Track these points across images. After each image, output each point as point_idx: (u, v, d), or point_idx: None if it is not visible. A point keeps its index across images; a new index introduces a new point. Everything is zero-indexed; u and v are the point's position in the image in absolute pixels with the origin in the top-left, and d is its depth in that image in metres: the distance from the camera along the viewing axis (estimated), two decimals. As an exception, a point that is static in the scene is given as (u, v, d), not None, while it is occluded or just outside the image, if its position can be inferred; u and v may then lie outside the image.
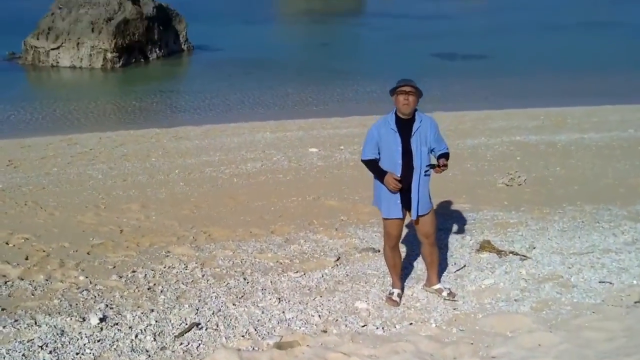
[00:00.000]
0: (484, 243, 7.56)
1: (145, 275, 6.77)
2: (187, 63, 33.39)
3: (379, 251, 7.20)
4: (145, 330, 5.38)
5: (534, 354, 4.79)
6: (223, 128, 17.94)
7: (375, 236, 8.04)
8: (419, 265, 6.88)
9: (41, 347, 5.00)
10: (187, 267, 7.06)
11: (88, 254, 7.49)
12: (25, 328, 5.30)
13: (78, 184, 11.49)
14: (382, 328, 5.57)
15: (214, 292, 6.31)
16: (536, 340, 5.02)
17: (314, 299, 6.15)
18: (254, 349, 5.09)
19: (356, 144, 14.14)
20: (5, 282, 6.44)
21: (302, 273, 6.86)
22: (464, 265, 6.99)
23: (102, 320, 5.49)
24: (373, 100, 22.81)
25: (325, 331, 5.49)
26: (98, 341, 5.16)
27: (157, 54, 32.08)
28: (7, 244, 7.75)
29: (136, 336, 5.26)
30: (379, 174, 5.84)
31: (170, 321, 5.58)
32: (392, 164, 5.78)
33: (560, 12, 50.35)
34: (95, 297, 6.15)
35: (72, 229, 8.54)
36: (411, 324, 5.67)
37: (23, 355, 4.88)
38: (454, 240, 7.84)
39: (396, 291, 6.17)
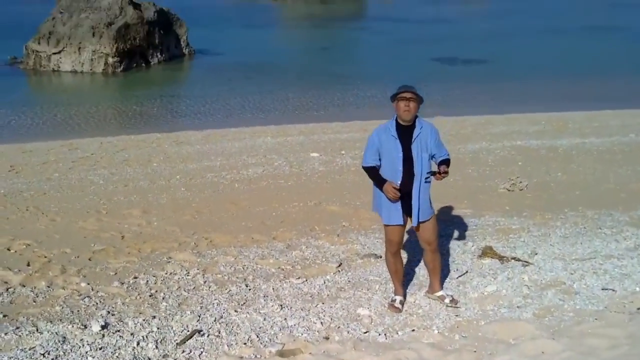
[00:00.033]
0: (486, 249, 7.55)
1: (147, 281, 6.77)
2: (188, 67, 33.41)
3: (381, 257, 7.19)
4: (147, 337, 5.38)
5: (537, 362, 4.79)
6: (224, 133, 17.94)
7: (377, 242, 8.03)
8: (421, 271, 6.87)
9: (43, 354, 5.00)
10: (188, 273, 7.05)
11: (89, 260, 7.48)
12: (27, 335, 5.30)
13: (79, 190, 11.48)
14: (385, 335, 5.56)
15: (215, 299, 6.30)
16: (539, 348, 5.01)
17: (316, 306, 6.14)
18: (256, 356, 5.09)
19: (357, 148, 14.14)
20: (7, 289, 6.43)
21: (304, 279, 6.86)
22: (466, 272, 6.98)
23: (103, 327, 5.49)
24: (374, 104, 22.79)
25: (327, 338, 5.48)
26: (100, 349, 5.15)
27: (158, 58, 32.10)
28: (8, 250, 7.75)
29: (138, 343, 5.26)
30: (379, 181, 5.85)
31: (172, 328, 5.58)
32: (393, 171, 5.78)
33: (561, 16, 50.36)
34: (97, 303, 6.14)
35: (74, 235, 8.53)
36: (413, 330, 5.66)
37: (25, 363, 4.88)
38: (455, 246, 7.84)
39: (398, 298, 6.16)
